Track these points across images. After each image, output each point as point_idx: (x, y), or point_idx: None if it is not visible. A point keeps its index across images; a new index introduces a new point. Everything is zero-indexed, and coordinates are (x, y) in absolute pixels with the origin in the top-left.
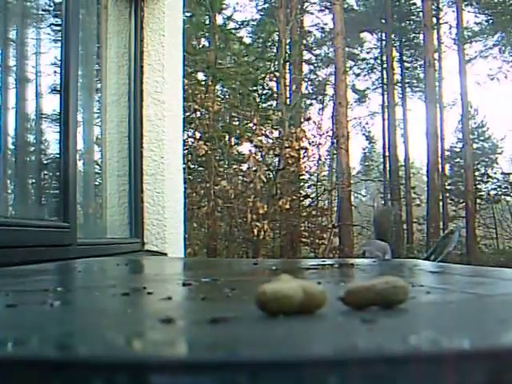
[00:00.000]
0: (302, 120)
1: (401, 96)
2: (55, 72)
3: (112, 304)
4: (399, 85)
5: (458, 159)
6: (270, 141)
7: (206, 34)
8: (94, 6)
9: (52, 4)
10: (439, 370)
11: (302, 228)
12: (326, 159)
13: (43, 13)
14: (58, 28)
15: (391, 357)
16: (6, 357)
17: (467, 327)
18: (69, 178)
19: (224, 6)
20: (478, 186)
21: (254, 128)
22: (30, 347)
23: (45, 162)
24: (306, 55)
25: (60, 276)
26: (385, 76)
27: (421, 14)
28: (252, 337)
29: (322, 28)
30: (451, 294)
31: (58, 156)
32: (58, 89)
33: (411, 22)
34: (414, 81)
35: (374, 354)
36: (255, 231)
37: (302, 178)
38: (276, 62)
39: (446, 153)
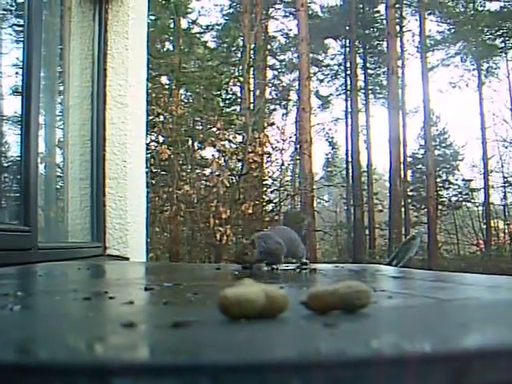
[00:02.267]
0: (266, 125)
1: (364, 102)
2: (17, 73)
3: (73, 308)
4: (362, 91)
5: (419, 165)
6: (234, 145)
7: (171, 38)
8: (57, 7)
9: (14, 4)
10: (401, 374)
11: None
12: (289, 164)
13: (5, 13)
14: (21, 29)
15: (353, 360)
16: None
17: (428, 331)
18: (30, 181)
19: (189, 10)
20: (440, 193)
21: (217, 132)
22: None
23: (5, 164)
24: (271, 60)
25: (20, 280)
26: (348, 82)
27: (384, 21)
28: (214, 341)
29: (287, 34)
30: (413, 299)
31: (18, 159)
32: (20, 90)
33: (375, 30)
34: (377, 87)
35: (337, 357)
36: (218, 236)
37: (265, 183)
38: (240, 67)
39: (408, 159)
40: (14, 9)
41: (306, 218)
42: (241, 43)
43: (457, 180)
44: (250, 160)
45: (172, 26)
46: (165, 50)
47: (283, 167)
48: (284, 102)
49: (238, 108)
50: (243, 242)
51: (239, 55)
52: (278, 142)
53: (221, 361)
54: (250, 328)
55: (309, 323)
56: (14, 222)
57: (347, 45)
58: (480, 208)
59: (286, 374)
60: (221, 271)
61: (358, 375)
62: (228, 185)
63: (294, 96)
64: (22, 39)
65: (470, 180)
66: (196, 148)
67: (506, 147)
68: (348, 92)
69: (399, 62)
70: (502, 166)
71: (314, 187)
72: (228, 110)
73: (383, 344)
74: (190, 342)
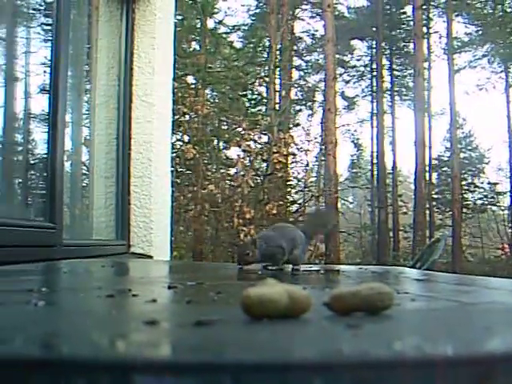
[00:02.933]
0: (291, 126)
1: (390, 104)
2: (45, 72)
3: (97, 305)
4: (388, 93)
5: (445, 168)
6: (259, 146)
7: (197, 38)
8: (85, 6)
9: (43, 3)
10: (424, 376)
11: None
12: (313, 165)
13: (34, 12)
14: (49, 28)
15: (376, 362)
16: None
17: (451, 334)
18: (56, 179)
19: (215, 10)
20: (465, 195)
21: (242, 132)
22: (13, 346)
23: (32, 161)
24: (297, 61)
25: (45, 276)
26: (374, 84)
27: (411, 23)
28: (236, 340)
29: (313, 34)
30: (436, 302)
31: (45, 156)
32: (47, 89)
33: (402, 31)
34: (403, 89)
35: (359, 358)
36: (242, 236)
37: (289, 183)
38: (266, 67)
39: (434, 161)
40: (42, 8)
41: (332, 220)
42: (267, 43)
43: (482, 183)
44: (275, 160)
45: (198, 25)
46: (191, 49)
47: (308, 168)
48: (309, 103)
49: (263, 108)
50: (244, 242)
51: (265, 55)
52: (303, 142)
53: (243, 359)
54: (273, 328)
55: (331, 324)
56: (40, 219)
57: (373, 46)
58: (505, 211)
59: (307, 374)
60: (244, 271)
61: (381, 377)
62: (252, 185)
63: (319, 97)
64: (50, 38)
65: (496, 183)
66: (221, 148)
67: None
68: (374, 93)
69: (426, 64)
70: None
71: (339, 188)
72: (253, 110)
73: (406, 346)
74: (212, 340)
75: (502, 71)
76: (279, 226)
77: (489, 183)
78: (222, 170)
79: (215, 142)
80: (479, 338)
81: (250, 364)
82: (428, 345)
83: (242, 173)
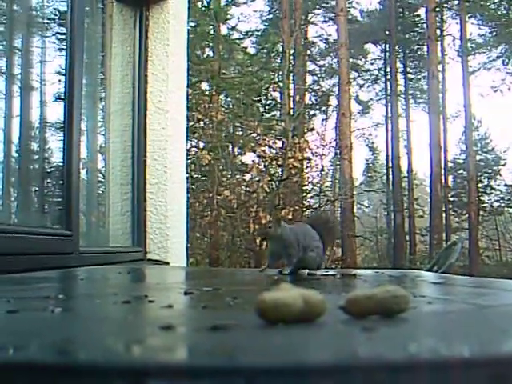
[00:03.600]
0: (306, 130)
1: (404, 107)
2: (60, 80)
3: (113, 311)
4: (403, 96)
5: (461, 171)
6: (274, 151)
7: (211, 44)
8: (98, 15)
9: (57, 13)
10: (439, 378)
11: None
12: (329, 170)
13: (48, 21)
14: (63, 37)
15: (391, 365)
16: (5, 361)
17: (467, 336)
18: (72, 187)
19: (228, 17)
20: (481, 198)
21: (257, 138)
22: (29, 352)
23: (48, 170)
24: (310, 66)
25: (62, 283)
26: (388, 87)
27: (425, 25)
28: (251, 344)
29: (326, 39)
30: (452, 305)
31: (61, 164)
32: (63, 97)
33: (415, 34)
34: (418, 92)
35: (374, 361)
36: (257, 241)
37: (304, 188)
38: (280, 73)
39: (449, 164)
40: (57, 17)
41: (331, 221)
42: (280, 49)
43: (499, 185)
44: (290, 165)
45: (212, 32)
46: (205, 56)
47: (323, 172)
48: (324, 108)
49: (277, 113)
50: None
51: (279, 61)
52: (317, 147)
53: (258, 363)
54: (288, 332)
55: (347, 327)
56: (57, 227)
57: (387, 49)
58: None
59: (322, 377)
60: (261, 276)
61: (396, 379)
62: (268, 190)
63: (333, 101)
64: (64, 47)
65: None
66: (236, 153)
67: None
68: (388, 97)
69: (440, 66)
70: None
71: (354, 192)
72: (268, 115)
73: (421, 348)
74: (227, 344)
75: None
76: (302, 224)
77: (505, 185)
78: (237, 176)
79: (230, 147)
80: (496, 340)
81: (264, 368)
82: (444, 347)
83: (257, 178)
